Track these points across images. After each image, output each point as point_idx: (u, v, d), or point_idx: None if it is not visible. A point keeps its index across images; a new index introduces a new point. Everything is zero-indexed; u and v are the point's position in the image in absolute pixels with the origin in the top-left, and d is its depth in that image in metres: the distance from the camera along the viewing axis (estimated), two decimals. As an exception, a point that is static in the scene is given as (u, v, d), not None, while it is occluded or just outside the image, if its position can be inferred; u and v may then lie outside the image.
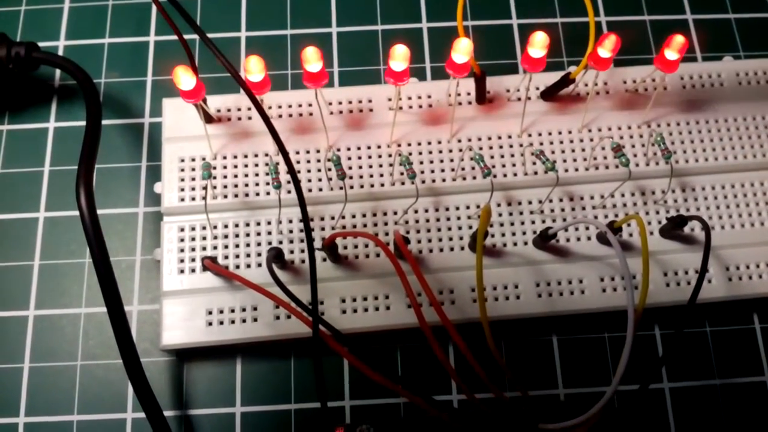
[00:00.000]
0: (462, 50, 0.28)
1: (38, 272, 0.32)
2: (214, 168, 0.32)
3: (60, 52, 0.37)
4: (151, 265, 0.32)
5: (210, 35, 0.36)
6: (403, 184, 0.32)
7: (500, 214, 0.32)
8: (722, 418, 0.30)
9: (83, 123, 0.35)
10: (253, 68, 0.28)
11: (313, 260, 0.26)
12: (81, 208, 0.28)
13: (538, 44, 0.29)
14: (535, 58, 0.29)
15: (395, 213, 0.32)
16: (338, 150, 0.32)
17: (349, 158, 0.32)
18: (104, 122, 0.33)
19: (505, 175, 0.32)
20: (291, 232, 0.31)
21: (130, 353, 0.27)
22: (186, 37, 0.31)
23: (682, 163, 0.33)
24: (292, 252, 0.31)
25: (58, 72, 0.37)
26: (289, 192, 0.31)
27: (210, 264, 0.29)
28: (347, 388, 0.31)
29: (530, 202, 0.32)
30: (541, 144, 0.33)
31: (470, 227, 0.31)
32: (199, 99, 0.29)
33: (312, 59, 0.28)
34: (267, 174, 0.32)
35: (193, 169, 0.32)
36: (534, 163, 0.32)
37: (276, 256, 0.29)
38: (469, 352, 0.26)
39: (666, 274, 0.31)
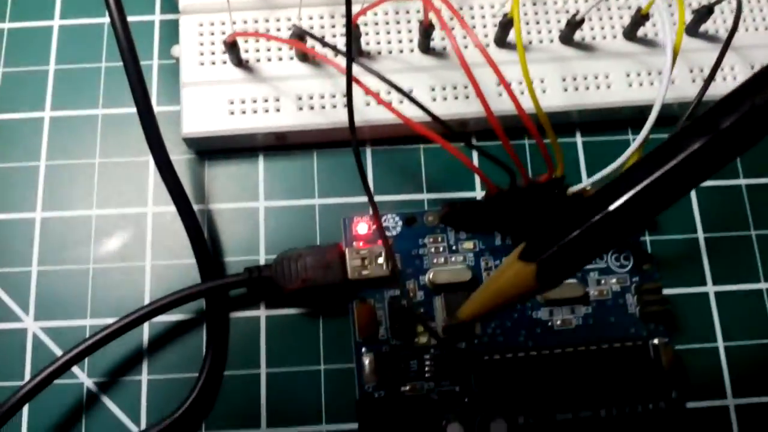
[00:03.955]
0: None
1: (44, 174, 0.31)
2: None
3: None
4: (168, 69, 0.32)
5: None
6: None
7: (525, 14, 0.31)
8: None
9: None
10: None
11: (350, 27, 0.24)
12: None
13: None
14: None
15: (418, 12, 0.31)
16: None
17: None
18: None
19: (528, -25, 0.32)
20: (312, 28, 0.31)
21: (158, 145, 0.27)
22: None
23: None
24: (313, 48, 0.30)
25: None
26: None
27: (239, 33, 0.29)
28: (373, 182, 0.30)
29: (555, 2, 0.31)
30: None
31: (495, 26, 0.31)
32: None
33: None
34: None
35: (210, -30, 0.31)
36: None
37: (299, 34, 0.28)
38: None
39: (692, 71, 0.31)
